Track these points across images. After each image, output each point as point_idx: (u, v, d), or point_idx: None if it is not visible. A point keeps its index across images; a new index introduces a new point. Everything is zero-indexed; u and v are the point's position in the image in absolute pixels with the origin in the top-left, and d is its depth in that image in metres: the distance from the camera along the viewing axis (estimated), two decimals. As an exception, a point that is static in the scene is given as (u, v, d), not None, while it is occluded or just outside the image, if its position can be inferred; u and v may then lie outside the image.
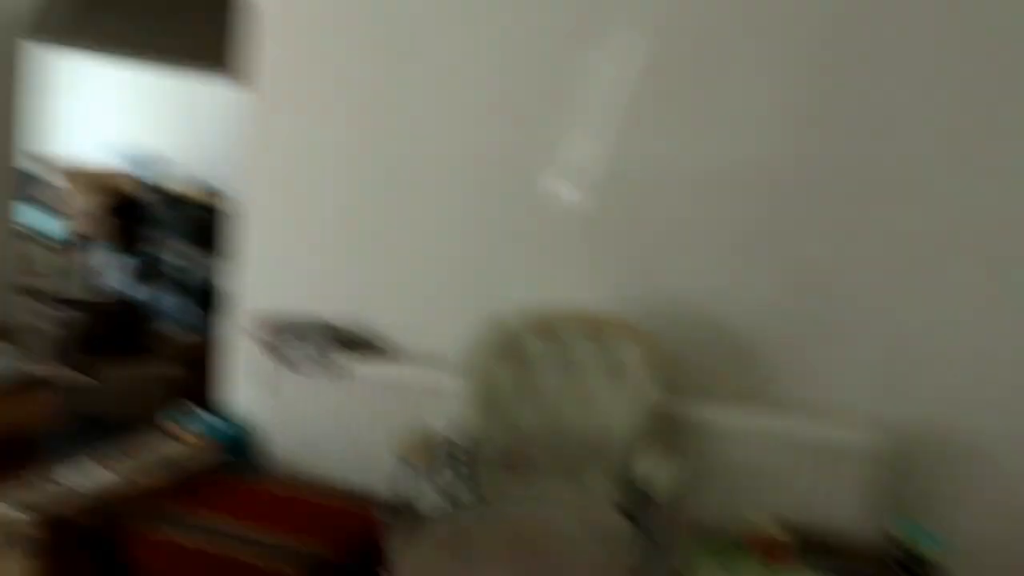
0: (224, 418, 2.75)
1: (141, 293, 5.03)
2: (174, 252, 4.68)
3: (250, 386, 2.74)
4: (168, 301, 5.20)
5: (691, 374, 2.05)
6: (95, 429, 3.87)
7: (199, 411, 2.75)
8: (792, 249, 1.92)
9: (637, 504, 1.89)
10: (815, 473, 1.81)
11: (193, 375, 4.01)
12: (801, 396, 1.92)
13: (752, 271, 1.97)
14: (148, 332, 4.58)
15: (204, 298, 4.87)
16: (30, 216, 4.37)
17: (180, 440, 2.56)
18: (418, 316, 2.44)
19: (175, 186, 4.91)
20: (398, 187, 2.46)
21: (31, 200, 4.47)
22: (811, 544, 1.72)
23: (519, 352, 1.99)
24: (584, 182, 2.15)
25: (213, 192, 4.98)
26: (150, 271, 5.09)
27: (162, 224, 4.67)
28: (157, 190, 4.75)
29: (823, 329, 1.89)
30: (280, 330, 2.57)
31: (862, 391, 1.85)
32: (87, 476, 2.23)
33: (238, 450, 2.66)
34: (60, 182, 4.76)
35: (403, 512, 1.72)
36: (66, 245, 4.94)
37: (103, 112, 5.68)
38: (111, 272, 5.36)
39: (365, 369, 2.39)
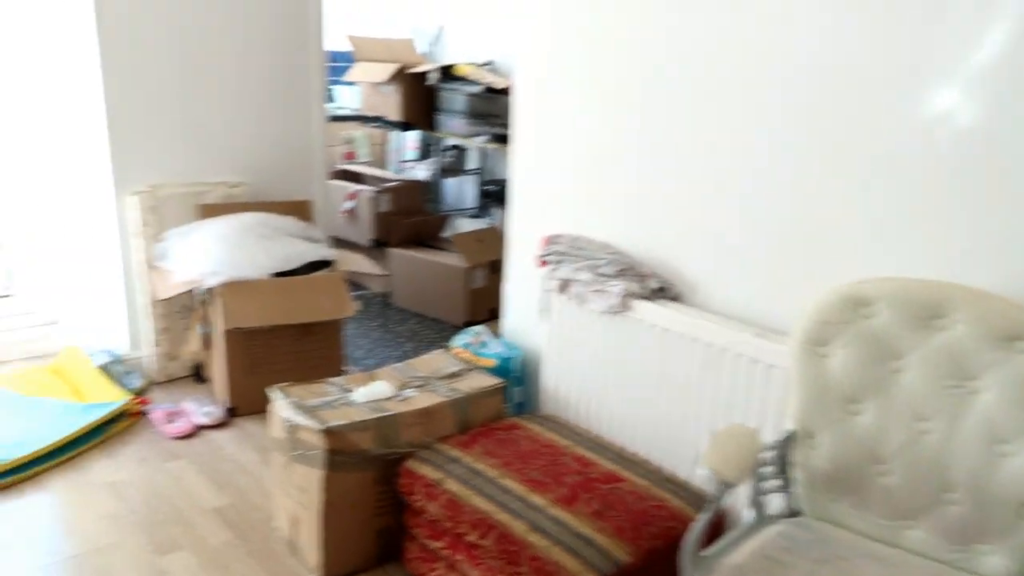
0: (504, 339, 2.57)
1: (424, 173, 5.02)
2: (453, 132, 4.53)
3: (525, 304, 2.51)
4: (450, 185, 5.16)
5: None
6: (387, 321, 3.99)
7: (482, 329, 2.57)
8: None
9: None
10: None
11: (476, 274, 3.92)
12: None
13: None
14: (434, 217, 4.56)
15: (485, 185, 4.75)
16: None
17: (464, 360, 2.39)
18: (730, 268, 1.97)
19: (457, 60, 4.70)
20: (719, 111, 1.94)
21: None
22: None
23: (871, 334, 1.47)
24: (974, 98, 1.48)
25: (495, 70, 4.72)
26: (431, 151, 5.05)
27: (446, 101, 4.51)
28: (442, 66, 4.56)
29: None
30: (559, 247, 2.26)
31: None
32: (375, 391, 2.15)
33: (513, 378, 2.47)
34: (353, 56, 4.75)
35: (705, 518, 1.36)
36: (354, 120, 5.02)
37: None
38: (399, 150, 5.43)
39: (651, 310, 2.01)
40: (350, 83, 4.95)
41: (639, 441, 2.13)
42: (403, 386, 2.23)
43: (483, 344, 2.49)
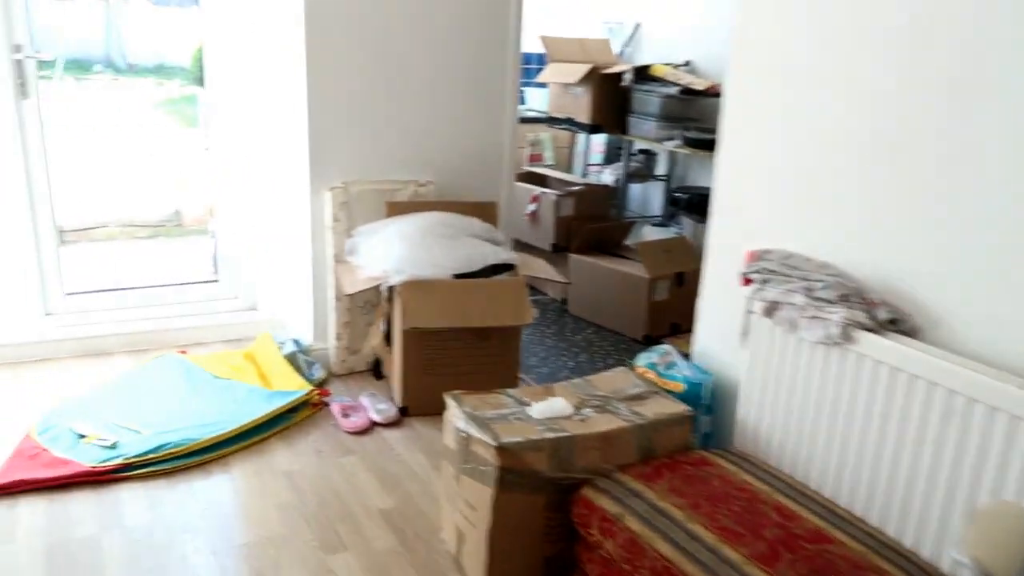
0: (694, 363, 2.34)
1: (610, 177, 4.85)
2: (643, 135, 4.32)
3: (721, 325, 2.27)
4: (636, 190, 4.95)
5: None
6: (562, 329, 3.86)
7: (670, 348, 2.36)
8: None
9: None
10: None
11: (660, 286, 3.70)
12: None
13: None
14: (618, 223, 4.38)
15: (674, 192, 4.50)
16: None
17: (648, 381, 2.19)
18: (987, 299, 1.64)
19: (653, 61, 4.48)
20: (981, 107, 1.61)
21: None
22: None
23: None
24: None
25: (694, 70, 4.46)
26: (618, 155, 4.86)
27: (639, 103, 4.31)
28: (637, 67, 4.37)
29: None
30: (768, 264, 2.00)
31: None
32: (553, 408, 2.01)
33: (702, 406, 2.24)
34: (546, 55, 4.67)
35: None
36: (543, 122, 4.94)
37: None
38: (586, 153, 5.29)
39: (879, 344, 1.71)
40: (540, 85, 4.88)
41: (852, 496, 1.83)
42: (581, 404, 2.07)
43: (670, 365, 2.27)
